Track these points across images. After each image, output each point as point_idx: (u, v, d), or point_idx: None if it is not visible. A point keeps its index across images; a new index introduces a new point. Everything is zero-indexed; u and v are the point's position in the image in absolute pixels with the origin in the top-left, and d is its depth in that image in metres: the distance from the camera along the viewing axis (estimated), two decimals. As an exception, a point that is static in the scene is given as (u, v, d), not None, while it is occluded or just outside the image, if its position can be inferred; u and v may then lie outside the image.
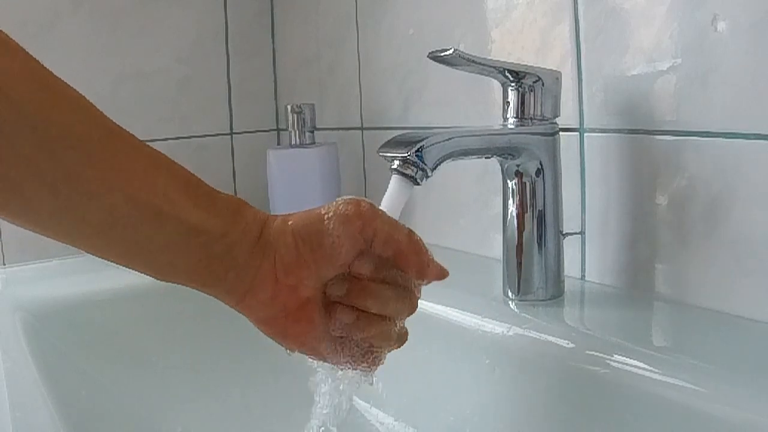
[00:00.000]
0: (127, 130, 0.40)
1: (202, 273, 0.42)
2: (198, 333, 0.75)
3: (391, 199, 0.47)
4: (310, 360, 0.45)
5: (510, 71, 0.55)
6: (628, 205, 0.59)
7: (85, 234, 0.39)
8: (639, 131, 0.57)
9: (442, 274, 0.44)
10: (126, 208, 0.38)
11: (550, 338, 0.52)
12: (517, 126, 0.56)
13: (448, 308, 0.60)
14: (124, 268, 0.42)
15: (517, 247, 0.58)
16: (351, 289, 0.43)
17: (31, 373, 0.57)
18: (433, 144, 0.49)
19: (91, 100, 0.39)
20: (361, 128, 0.92)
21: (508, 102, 0.56)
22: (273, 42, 1.10)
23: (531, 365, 0.53)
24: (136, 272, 0.42)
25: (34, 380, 0.56)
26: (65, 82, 0.38)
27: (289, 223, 0.43)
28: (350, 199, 0.43)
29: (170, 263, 0.41)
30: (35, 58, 0.38)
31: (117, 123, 0.40)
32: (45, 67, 0.38)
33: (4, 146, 0.35)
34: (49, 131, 0.36)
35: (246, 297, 0.43)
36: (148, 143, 0.41)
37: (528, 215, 0.57)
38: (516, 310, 0.58)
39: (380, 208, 0.47)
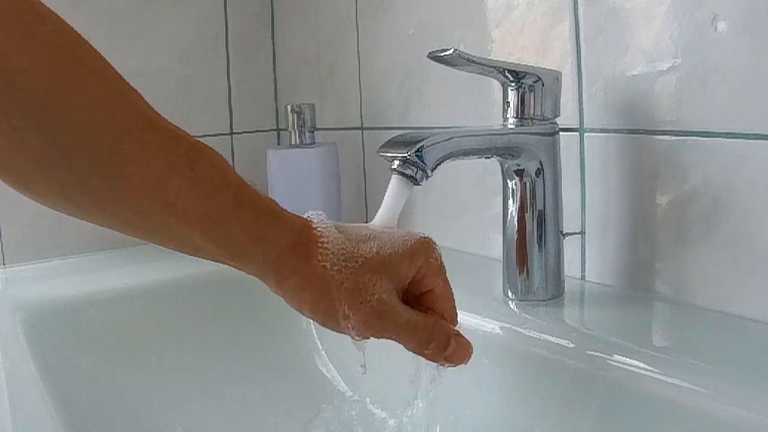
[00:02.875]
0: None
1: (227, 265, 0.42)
2: (198, 333, 0.75)
3: (391, 199, 0.47)
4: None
5: (510, 71, 0.55)
6: (628, 205, 0.59)
7: (104, 225, 0.39)
8: (639, 131, 0.57)
9: (460, 362, 0.44)
10: (133, 218, 0.38)
11: (550, 338, 0.52)
12: (517, 126, 0.56)
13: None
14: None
15: (517, 247, 0.58)
16: None
17: (31, 373, 0.57)
18: (433, 144, 0.49)
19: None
20: (361, 128, 0.92)
21: (508, 102, 0.56)
22: (273, 42, 1.10)
23: (531, 365, 0.53)
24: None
25: (34, 380, 0.56)
26: (92, 67, 0.36)
27: (301, 304, 0.42)
28: (360, 322, 0.41)
29: (192, 254, 0.41)
30: (66, 41, 0.35)
31: (142, 111, 0.37)
32: (72, 51, 0.35)
33: (19, 152, 0.34)
34: (60, 137, 0.34)
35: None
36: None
37: (528, 215, 0.57)
38: (516, 310, 0.58)
39: (380, 210, 0.47)
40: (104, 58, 0.37)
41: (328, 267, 0.41)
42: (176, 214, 0.38)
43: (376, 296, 0.41)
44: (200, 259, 0.42)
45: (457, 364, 0.44)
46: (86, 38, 0.37)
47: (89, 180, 0.36)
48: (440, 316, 0.45)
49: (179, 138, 0.38)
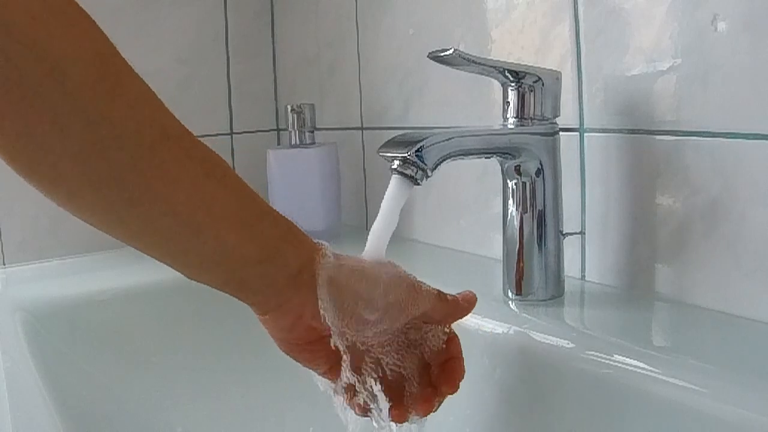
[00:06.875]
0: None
1: (234, 287, 0.42)
2: (198, 333, 0.75)
3: (391, 199, 0.47)
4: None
5: (510, 71, 0.55)
6: (628, 205, 0.59)
7: (124, 235, 0.39)
8: (639, 131, 0.57)
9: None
10: (165, 220, 0.38)
11: (550, 338, 0.52)
12: (517, 126, 0.56)
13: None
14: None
15: (517, 247, 0.58)
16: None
17: (31, 373, 0.57)
18: (433, 144, 0.49)
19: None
20: (361, 128, 0.92)
21: (508, 102, 0.56)
22: (273, 42, 1.10)
23: (531, 365, 0.53)
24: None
25: (34, 380, 0.56)
26: (131, 69, 0.37)
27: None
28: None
29: (204, 273, 0.41)
30: (106, 38, 0.36)
31: (177, 120, 0.38)
32: (114, 49, 0.36)
33: (57, 138, 0.34)
34: (101, 129, 0.34)
35: (269, 316, 0.44)
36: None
37: (528, 215, 0.57)
38: (516, 310, 0.58)
39: (380, 211, 0.47)
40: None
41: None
42: (211, 216, 0.38)
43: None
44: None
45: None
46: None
47: (127, 176, 0.36)
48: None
49: (209, 150, 0.40)
